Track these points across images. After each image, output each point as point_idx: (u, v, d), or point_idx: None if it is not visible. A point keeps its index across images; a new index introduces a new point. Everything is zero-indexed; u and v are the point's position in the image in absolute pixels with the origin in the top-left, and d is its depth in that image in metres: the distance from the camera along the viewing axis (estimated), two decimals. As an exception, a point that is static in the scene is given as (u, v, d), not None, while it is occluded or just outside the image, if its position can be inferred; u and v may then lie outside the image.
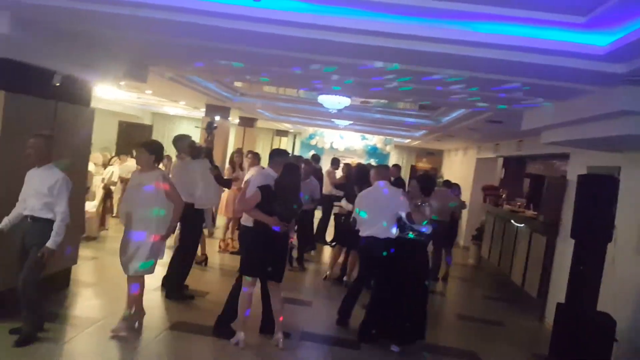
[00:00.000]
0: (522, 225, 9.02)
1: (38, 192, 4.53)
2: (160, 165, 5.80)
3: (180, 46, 5.48)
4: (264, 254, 5.05)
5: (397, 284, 5.64)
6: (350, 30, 3.85)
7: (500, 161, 12.77)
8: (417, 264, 5.70)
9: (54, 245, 4.50)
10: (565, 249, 7.23)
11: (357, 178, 8.19)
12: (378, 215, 5.83)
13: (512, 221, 9.51)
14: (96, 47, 5.61)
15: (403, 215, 5.63)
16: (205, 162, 6.68)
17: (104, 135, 15.98)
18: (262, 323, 5.50)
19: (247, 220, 5.38)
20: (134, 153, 13.56)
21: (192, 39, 4.93)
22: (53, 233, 4.50)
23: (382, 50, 4.22)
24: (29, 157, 4.58)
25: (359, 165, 10.25)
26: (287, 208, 5.06)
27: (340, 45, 4.14)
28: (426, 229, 5.61)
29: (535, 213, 8.94)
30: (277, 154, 5.65)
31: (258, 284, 5.30)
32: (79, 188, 6.22)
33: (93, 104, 6.38)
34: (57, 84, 5.39)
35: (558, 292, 7.01)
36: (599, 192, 5.17)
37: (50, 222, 4.53)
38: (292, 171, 5.17)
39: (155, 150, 5.13)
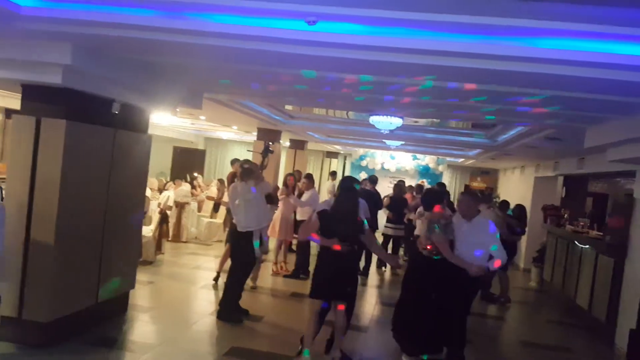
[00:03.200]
0: (587, 246, 8.60)
1: None
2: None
3: (237, 72, 5.54)
4: (330, 275, 5.08)
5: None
6: (422, 52, 3.76)
7: (561, 180, 12.30)
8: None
9: None
10: (634, 271, 6.90)
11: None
12: None
13: (576, 242, 9.08)
14: (155, 75, 5.72)
15: None
16: (248, 185, 6.69)
17: (159, 161, 16.45)
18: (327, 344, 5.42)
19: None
20: (188, 177, 13.99)
21: (249, 65, 4.95)
22: None
23: (455, 70, 4.08)
24: None
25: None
26: (346, 229, 5.09)
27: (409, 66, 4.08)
28: None
29: (601, 234, 8.53)
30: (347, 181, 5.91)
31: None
32: (137, 213, 6.37)
33: (149, 131, 6.52)
34: (116, 112, 5.51)
35: (629, 316, 6.67)
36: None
37: None
38: (347, 195, 5.31)
39: None
